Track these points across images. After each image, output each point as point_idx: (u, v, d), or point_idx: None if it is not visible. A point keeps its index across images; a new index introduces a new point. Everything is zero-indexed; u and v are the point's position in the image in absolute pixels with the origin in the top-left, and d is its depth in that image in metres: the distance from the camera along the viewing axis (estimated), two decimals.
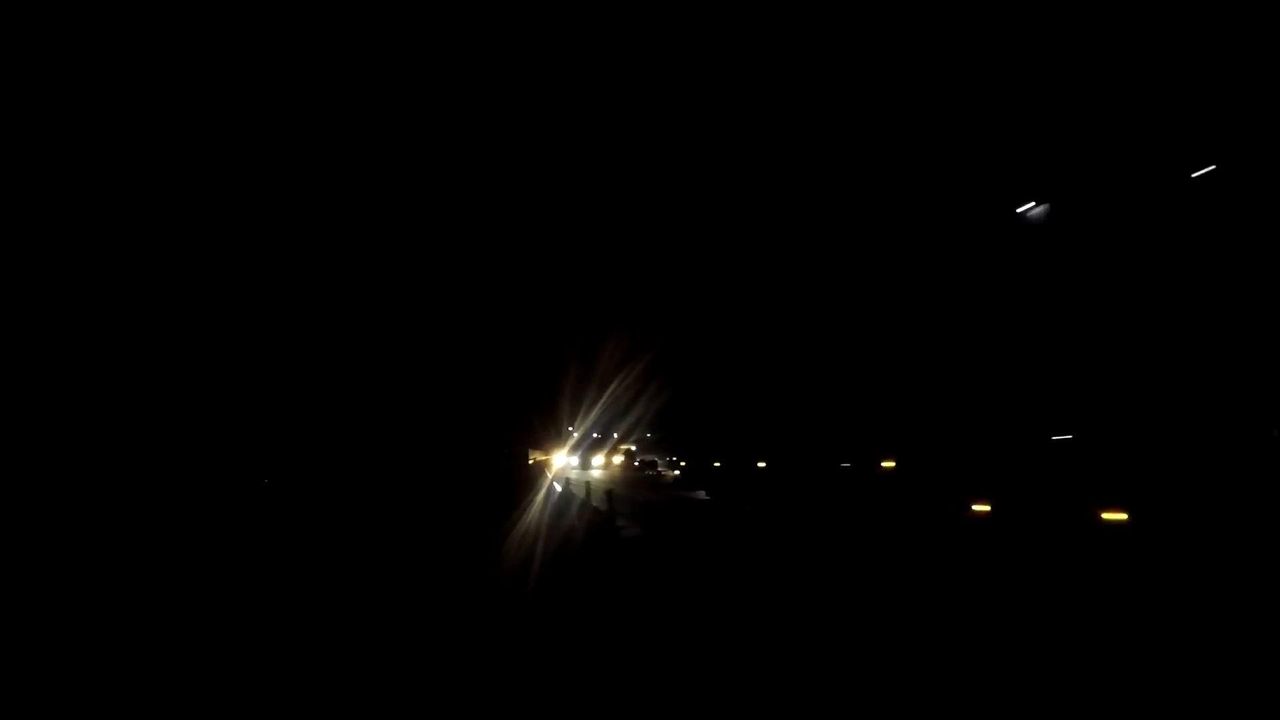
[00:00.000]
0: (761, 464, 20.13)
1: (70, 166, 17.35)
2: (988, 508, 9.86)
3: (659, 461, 38.11)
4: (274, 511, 16.17)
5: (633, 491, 26.47)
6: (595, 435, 61.84)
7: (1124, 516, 7.56)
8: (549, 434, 42.59)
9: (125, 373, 17.19)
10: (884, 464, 14.26)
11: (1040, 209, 10.55)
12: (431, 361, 24.64)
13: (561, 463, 41.88)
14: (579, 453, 60.88)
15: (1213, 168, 8.28)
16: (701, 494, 22.41)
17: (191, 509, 15.06)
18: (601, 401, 42.30)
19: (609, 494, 15.73)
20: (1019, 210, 11.14)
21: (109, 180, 18.10)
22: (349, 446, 20.61)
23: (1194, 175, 8.63)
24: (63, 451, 14.89)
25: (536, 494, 21.26)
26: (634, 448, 55.38)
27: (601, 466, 58.15)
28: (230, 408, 19.00)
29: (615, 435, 62.38)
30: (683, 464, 30.26)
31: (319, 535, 12.58)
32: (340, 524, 13.91)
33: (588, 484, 19.61)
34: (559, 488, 25.50)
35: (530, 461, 35.37)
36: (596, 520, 13.72)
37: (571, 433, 53.93)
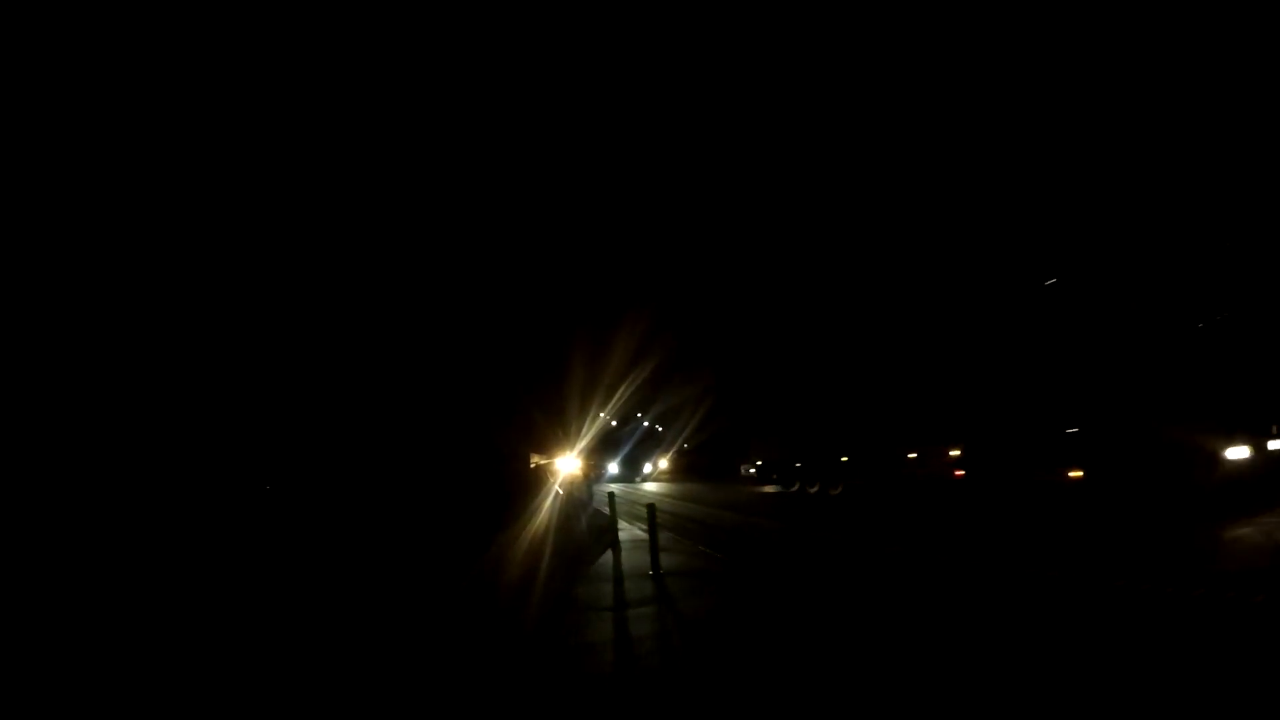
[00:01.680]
0: None
1: (70, 166, 17.06)
2: None
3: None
4: (277, 517, 15.37)
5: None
6: (644, 423, 39.68)
7: None
8: (555, 433, 29.90)
9: (125, 377, 16.51)
10: None
11: None
12: (423, 354, 21.98)
13: (572, 466, 26.46)
14: (619, 457, 38.70)
15: None
16: None
17: (194, 514, 14.48)
18: (622, 392, 32.27)
19: None
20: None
21: (109, 181, 17.77)
22: (347, 449, 18.69)
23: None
24: (63, 456, 14.26)
25: (542, 502, 17.21)
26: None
27: (654, 474, 36.56)
28: (230, 411, 18.06)
29: (660, 429, 40.48)
30: None
31: (318, 544, 11.55)
32: (334, 534, 12.72)
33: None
34: (560, 491, 20.81)
35: (532, 466, 25.51)
36: None
37: (604, 419, 32.77)
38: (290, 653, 5.04)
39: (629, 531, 10.79)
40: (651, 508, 7.54)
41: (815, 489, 15.88)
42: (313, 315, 21.16)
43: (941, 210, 14.26)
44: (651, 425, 41.24)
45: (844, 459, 14.63)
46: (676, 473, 37.53)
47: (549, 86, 30.51)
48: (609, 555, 8.31)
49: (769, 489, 20.11)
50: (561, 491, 20.96)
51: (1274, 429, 9.20)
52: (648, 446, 39.90)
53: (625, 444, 39.19)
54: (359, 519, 14.82)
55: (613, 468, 37.67)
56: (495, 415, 22.85)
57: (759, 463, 19.17)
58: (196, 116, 20.17)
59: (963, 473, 11.61)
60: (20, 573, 9.13)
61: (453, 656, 4.62)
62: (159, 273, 18.31)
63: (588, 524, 12.33)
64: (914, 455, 12.56)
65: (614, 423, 37.36)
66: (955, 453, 11.71)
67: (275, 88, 22.49)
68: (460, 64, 28.75)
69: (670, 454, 39.14)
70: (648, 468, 37.10)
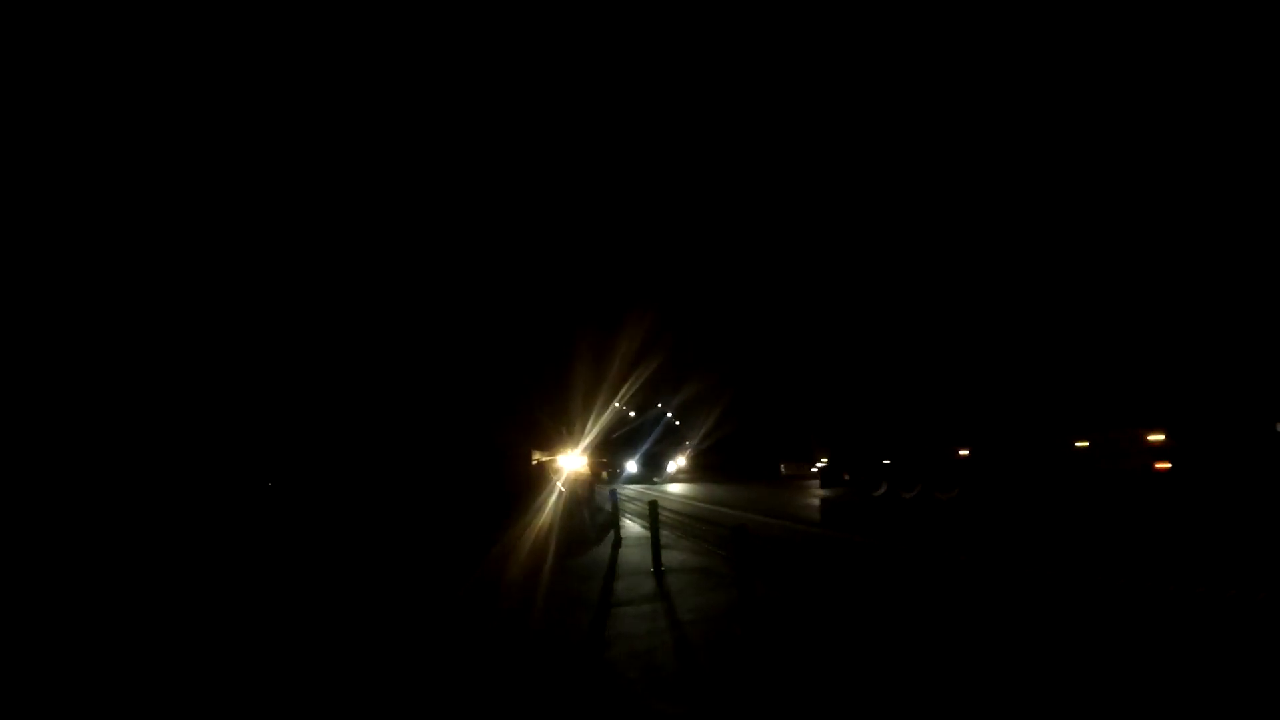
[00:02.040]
0: None
1: (70, 166, 17.39)
2: None
3: None
4: (279, 515, 15.46)
5: None
6: (667, 416, 36.11)
7: None
8: (559, 429, 27.71)
9: (128, 377, 16.77)
10: None
11: None
12: (422, 353, 21.55)
13: (578, 464, 24.25)
14: (638, 454, 35.12)
15: None
16: None
17: (196, 512, 14.74)
18: (630, 385, 30.51)
19: None
20: None
21: (111, 181, 18.02)
22: (346, 447, 18.69)
23: None
24: (66, 454, 14.55)
25: (545, 501, 17.10)
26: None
27: (677, 473, 33.17)
28: (232, 408, 18.26)
29: (678, 423, 37.06)
30: None
31: (319, 542, 11.29)
32: (335, 532, 12.60)
33: None
34: (564, 490, 19.87)
35: (535, 463, 23.89)
36: None
37: (619, 408, 29.47)
38: (295, 649, 4.90)
39: (664, 547, 7.51)
40: (653, 504, 7.43)
41: (913, 492, 12.03)
42: (313, 314, 21.15)
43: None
44: (672, 419, 37.74)
45: (962, 453, 10.95)
46: (695, 472, 34.13)
47: (550, 86, 30.34)
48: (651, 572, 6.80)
49: (823, 492, 16.43)
50: (565, 490, 19.58)
51: None
52: (668, 444, 36.30)
53: (646, 439, 35.61)
54: (360, 515, 14.56)
55: (630, 466, 34.07)
56: (495, 412, 22.40)
57: (824, 461, 15.41)
58: (202, 120, 20.49)
59: (1168, 464, 7.94)
60: (31, 562, 9.42)
61: (456, 656, 4.52)
62: (166, 275, 18.59)
63: (594, 526, 11.41)
64: (1085, 444, 8.86)
65: (632, 414, 33.88)
66: (1157, 437, 8.02)
67: (277, 91, 22.81)
68: (461, 65, 29.22)
69: (689, 452, 35.79)
70: (671, 466, 33.44)
